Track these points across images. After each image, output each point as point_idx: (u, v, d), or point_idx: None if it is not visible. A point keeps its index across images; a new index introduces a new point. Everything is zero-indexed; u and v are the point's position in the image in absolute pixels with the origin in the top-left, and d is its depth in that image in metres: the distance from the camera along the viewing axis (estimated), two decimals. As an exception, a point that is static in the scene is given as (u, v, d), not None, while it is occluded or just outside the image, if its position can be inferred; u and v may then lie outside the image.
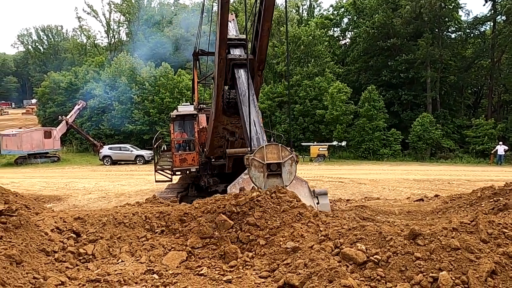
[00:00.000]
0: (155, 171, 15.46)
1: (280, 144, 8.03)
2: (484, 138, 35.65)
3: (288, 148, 7.94)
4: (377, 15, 41.49)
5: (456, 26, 42.10)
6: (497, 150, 32.38)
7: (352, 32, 50.32)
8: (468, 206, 11.09)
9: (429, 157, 36.75)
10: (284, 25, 46.81)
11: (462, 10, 42.78)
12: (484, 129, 36.18)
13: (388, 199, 16.02)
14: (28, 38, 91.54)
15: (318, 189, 8.81)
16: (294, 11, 57.94)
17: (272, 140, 19.15)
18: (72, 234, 8.12)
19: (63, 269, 6.92)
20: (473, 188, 13.84)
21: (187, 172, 14.92)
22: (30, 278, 6.08)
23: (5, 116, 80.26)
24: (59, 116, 40.58)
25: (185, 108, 16.08)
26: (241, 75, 9.38)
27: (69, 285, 6.41)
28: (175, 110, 16.16)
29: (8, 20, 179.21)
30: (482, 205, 10.04)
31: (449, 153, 37.07)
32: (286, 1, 11.79)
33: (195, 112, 15.16)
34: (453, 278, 5.00)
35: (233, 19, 11.71)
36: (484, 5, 40.48)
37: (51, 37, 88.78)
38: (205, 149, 14.03)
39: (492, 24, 40.85)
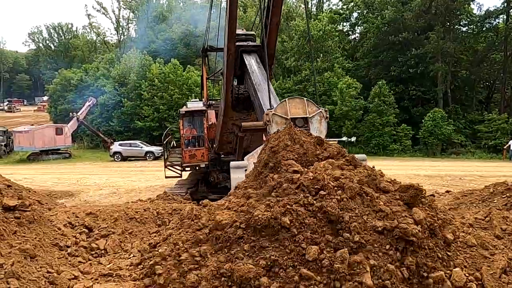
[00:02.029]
0: (165, 167, 15.56)
1: (306, 98, 6.94)
2: (497, 133, 35.11)
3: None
4: (387, 10, 40.99)
5: (468, 19, 41.38)
6: (510, 145, 31.88)
7: (362, 27, 49.81)
8: (480, 202, 10.95)
9: (440, 152, 36.33)
10: (293, 20, 46.53)
11: (474, 3, 42.04)
12: (496, 124, 35.63)
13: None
14: (39, 36, 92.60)
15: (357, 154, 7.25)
16: (302, 6, 57.56)
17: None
18: (84, 229, 8.24)
19: (76, 263, 7.02)
20: (485, 184, 13.63)
21: (197, 168, 14.98)
22: (44, 272, 6.18)
23: (17, 113, 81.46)
24: (70, 113, 40.99)
25: (194, 104, 16.14)
26: (251, 61, 9.18)
27: (82, 279, 6.50)
28: (184, 106, 16.24)
29: (19, 18, 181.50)
30: (495, 201, 9.89)
31: (460, 148, 36.60)
32: None
33: (204, 108, 15.19)
34: (467, 274, 4.93)
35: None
36: (497, -3, 39.63)
37: (61, 34, 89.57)
38: (214, 145, 14.06)
39: (505, 17, 40.08)
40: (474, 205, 10.83)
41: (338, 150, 5.78)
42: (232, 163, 7.03)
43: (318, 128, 6.67)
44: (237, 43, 9.32)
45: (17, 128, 39.84)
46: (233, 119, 10.93)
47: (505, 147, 32.85)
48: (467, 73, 40.98)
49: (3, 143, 38.07)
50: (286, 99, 6.80)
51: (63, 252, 7.21)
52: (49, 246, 7.14)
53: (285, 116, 6.56)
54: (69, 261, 7.02)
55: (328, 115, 6.93)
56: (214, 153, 14.39)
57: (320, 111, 6.83)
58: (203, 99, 16.46)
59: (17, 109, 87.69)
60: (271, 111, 6.70)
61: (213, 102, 16.00)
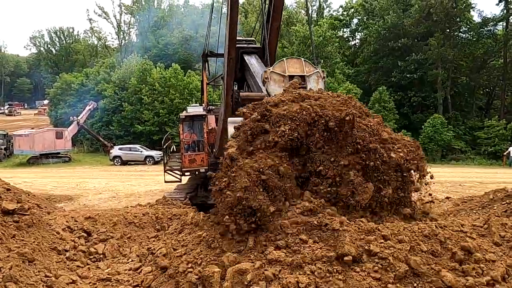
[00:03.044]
0: (165, 171, 15.54)
1: (303, 59, 7.18)
2: (496, 139, 35.12)
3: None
4: (388, 15, 41.19)
5: (468, 26, 41.58)
6: (509, 151, 31.87)
7: (362, 33, 50.02)
8: (480, 208, 10.96)
9: (440, 158, 36.30)
10: (293, 26, 46.73)
11: (474, 10, 42.24)
12: (495, 130, 35.65)
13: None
14: (41, 40, 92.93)
15: None
16: (303, 11, 57.86)
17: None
18: (83, 233, 8.24)
19: (74, 267, 7.02)
20: (485, 190, 13.64)
21: (196, 172, 14.96)
22: (42, 276, 6.18)
23: (18, 117, 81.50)
24: (71, 117, 41.01)
25: (195, 109, 16.15)
26: (252, 61, 9.22)
27: (80, 283, 6.49)
28: (185, 111, 16.25)
29: (21, 22, 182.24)
30: (495, 208, 9.91)
31: (460, 154, 36.59)
32: None
33: (204, 113, 15.21)
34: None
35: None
36: (497, 4, 39.83)
37: (62, 39, 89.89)
38: (214, 150, 14.06)
39: (504, 24, 40.26)
40: (474, 211, 10.84)
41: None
42: (229, 119, 7.43)
43: (316, 87, 6.78)
44: (237, 45, 9.40)
45: (17, 131, 39.83)
46: (233, 124, 10.93)
47: (505, 153, 32.85)
48: (467, 80, 41.08)
49: (3, 147, 38.05)
50: (284, 58, 7.04)
51: (62, 256, 7.21)
52: (48, 250, 7.14)
53: (283, 74, 6.75)
54: (68, 265, 7.02)
55: (325, 76, 7.07)
56: (214, 158, 14.38)
57: (318, 71, 6.97)
58: (203, 104, 16.49)
59: (18, 113, 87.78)
60: (269, 69, 6.92)
61: (213, 107, 16.04)
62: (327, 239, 6.61)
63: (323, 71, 7.09)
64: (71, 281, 6.35)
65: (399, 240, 6.45)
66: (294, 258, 6.19)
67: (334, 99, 6.12)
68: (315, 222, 6.38)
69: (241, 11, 50.56)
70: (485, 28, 40.82)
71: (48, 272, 6.41)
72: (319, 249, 6.37)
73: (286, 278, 5.82)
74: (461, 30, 42.43)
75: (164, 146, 16.67)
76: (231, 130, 7.15)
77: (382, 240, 6.44)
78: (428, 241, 6.49)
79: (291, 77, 6.68)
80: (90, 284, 6.52)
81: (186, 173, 15.39)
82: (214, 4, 16.95)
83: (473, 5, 41.15)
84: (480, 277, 5.89)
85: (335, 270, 5.98)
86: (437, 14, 38.34)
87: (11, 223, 7.39)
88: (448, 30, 40.73)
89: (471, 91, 42.64)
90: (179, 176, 15.67)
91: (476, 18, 41.96)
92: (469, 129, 39.10)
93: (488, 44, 40.54)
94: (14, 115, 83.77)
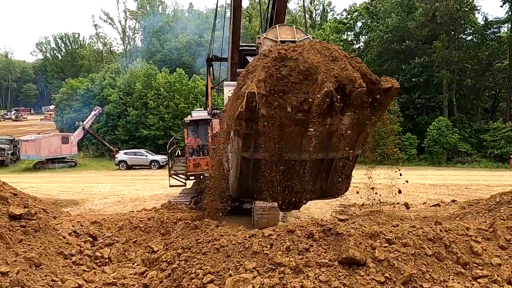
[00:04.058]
0: (170, 176, 15.61)
1: (295, 26, 7.48)
2: (501, 141, 34.87)
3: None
4: (390, 18, 41.17)
5: (472, 28, 41.44)
6: (516, 154, 31.65)
7: (366, 36, 50.01)
8: (486, 211, 10.89)
9: (446, 161, 36.08)
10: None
11: (478, 13, 42.11)
12: (501, 133, 35.40)
13: (403, 204, 15.79)
14: (47, 46, 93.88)
15: None
16: (307, 15, 58.00)
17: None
18: (89, 238, 8.30)
19: (80, 272, 7.07)
20: (491, 193, 13.56)
21: (201, 176, 15.01)
22: (49, 280, 6.24)
23: (24, 122, 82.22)
24: (76, 122, 41.31)
25: (199, 114, 16.23)
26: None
27: (86, 287, 6.54)
28: (189, 116, 16.32)
29: (27, 29, 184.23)
30: (501, 211, 9.83)
31: (466, 157, 36.34)
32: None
33: (209, 117, 15.27)
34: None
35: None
36: (501, 6, 39.70)
37: (68, 44, 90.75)
38: (218, 154, 14.10)
39: (510, 26, 40.10)
40: (480, 214, 10.78)
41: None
42: (225, 83, 8.15)
43: None
44: (240, 48, 9.47)
45: (23, 136, 40.17)
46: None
47: (511, 156, 32.59)
48: (472, 82, 40.87)
49: (9, 152, 38.36)
50: (277, 25, 7.33)
51: (68, 261, 7.27)
52: (54, 255, 7.20)
53: (275, 39, 7.04)
54: (74, 269, 7.08)
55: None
56: (218, 162, 14.41)
57: (308, 37, 7.22)
58: (208, 108, 16.56)
59: (24, 118, 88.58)
60: (262, 35, 7.22)
61: (218, 111, 16.09)
62: (331, 243, 6.62)
63: (313, 37, 7.37)
64: (77, 285, 6.39)
65: (404, 244, 6.44)
66: (298, 262, 6.20)
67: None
68: None
69: (245, 16, 50.81)
70: (490, 31, 40.66)
71: (55, 276, 6.47)
72: (323, 253, 6.38)
73: (290, 282, 5.83)
74: (465, 32, 42.30)
75: (169, 151, 16.74)
76: (226, 92, 7.34)
77: (387, 244, 6.44)
78: (433, 244, 6.47)
79: (282, 42, 6.96)
80: (96, 288, 6.57)
81: (191, 177, 15.44)
82: (218, 9, 17.07)
83: (477, 8, 41.09)
84: (486, 281, 5.86)
85: (339, 274, 5.98)
86: (441, 16, 38.27)
87: (18, 227, 7.48)
88: (452, 33, 40.60)
89: (477, 93, 42.41)
90: (184, 181, 15.73)
91: (481, 21, 41.90)
92: (475, 131, 38.86)
93: (492, 46, 40.39)
94: (21, 121, 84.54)
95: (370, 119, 6.20)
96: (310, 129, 5.94)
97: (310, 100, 5.64)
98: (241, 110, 5.63)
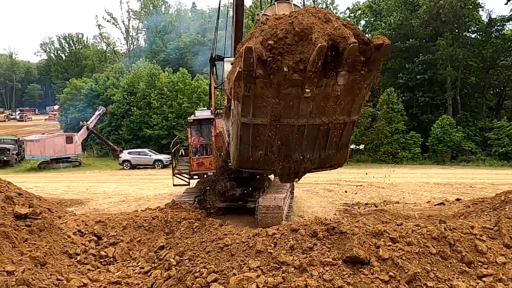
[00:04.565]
0: (173, 175, 15.64)
1: (293, 3, 7.63)
2: (506, 140, 34.68)
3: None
4: (393, 16, 41.01)
5: (476, 26, 41.20)
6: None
7: (369, 34, 49.84)
8: (491, 210, 10.84)
9: (450, 160, 35.92)
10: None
11: (483, 10, 41.87)
12: (506, 131, 35.21)
13: (407, 203, 15.77)
14: (51, 46, 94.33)
15: None
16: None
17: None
18: (93, 237, 8.34)
19: (85, 271, 7.11)
20: (496, 192, 13.49)
21: (204, 176, 15.03)
22: (54, 279, 6.28)
23: (29, 122, 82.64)
24: (80, 122, 41.46)
25: (202, 113, 16.23)
26: None
27: (91, 287, 6.57)
28: (193, 115, 16.33)
29: (31, 29, 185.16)
30: (506, 209, 9.78)
31: (470, 156, 36.15)
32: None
33: (212, 117, 15.29)
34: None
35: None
36: (506, 4, 39.42)
37: (72, 44, 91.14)
38: (222, 153, 14.12)
39: (514, 23, 39.87)
40: (485, 213, 10.72)
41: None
42: (226, 59, 8.47)
43: None
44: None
45: (28, 136, 40.37)
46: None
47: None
48: (477, 80, 40.64)
49: (14, 152, 38.58)
50: (276, 2, 7.53)
51: (73, 260, 7.31)
52: (59, 254, 7.25)
53: (274, 16, 7.15)
54: (79, 268, 7.11)
55: None
56: (221, 161, 14.45)
57: None
58: (211, 108, 16.58)
59: (29, 118, 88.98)
60: (261, 12, 7.42)
61: (221, 110, 16.10)
62: (335, 242, 6.62)
63: None
64: (82, 284, 6.43)
65: (408, 243, 6.42)
66: (302, 261, 6.20)
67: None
68: None
69: (247, 14, 50.74)
70: (494, 28, 40.41)
71: (60, 275, 6.51)
72: (327, 252, 6.38)
73: (294, 281, 5.84)
74: (469, 30, 42.04)
75: (173, 150, 16.77)
76: (227, 68, 7.44)
77: (391, 243, 6.43)
78: (437, 243, 6.45)
79: None
80: (101, 287, 6.60)
81: (195, 177, 15.46)
82: (221, 8, 17.07)
83: (481, 5, 40.84)
84: (490, 279, 5.84)
85: (343, 273, 5.97)
86: (445, 14, 38.06)
87: (23, 227, 7.53)
88: (456, 31, 40.38)
89: (481, 91, 42.17)
90: (187, 180, 15.76)
91: (485, 18, 41.65)
92: (479, 130, 38.64)
93: (497, 44, 40.14)
94: (25, 121, 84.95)
95: (364, 80, 6.27)
96: (306, 90, 6.06)
97: (305, 59, 5.78)
98: (240, 70, 5.81)
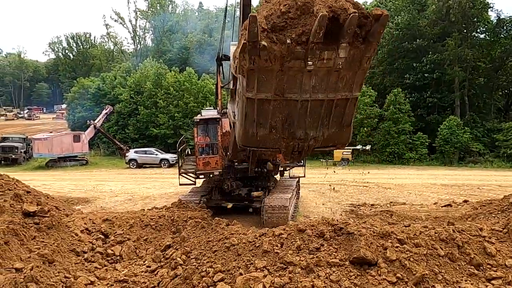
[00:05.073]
0: (179, 174, 15.67)
1: None
2: (513, 141, 34.35)
3: None
4: (400, 16, 40.77)
5: (485, 26, 40.81)
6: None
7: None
8: (499, 212, 10.74)
9: (458, 161, 35.63)
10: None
11: (492, 10, 41.42)
12: (514, 132, 34.87)
13: (414, 204, 15.67)
14: (59, 46, 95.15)
15: None
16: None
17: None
18: (100, 235, 8.39)
19: (92, 269, 7.15)
20: (504, 193, 13.35)
21: (210, 175, 15.04)
22: (62, 277, 6.31)
23: (37, 121, 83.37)
24: (88, 121, 41.74)
25: (209, 112, 16.24)
26: None
27: (98, 284, 6.61)
28: (199, 115, 16.35)
29: (40, 29, 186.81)
30: (515, 212, 9.68)
31: (478, 157, 35.81)
32: None
33: (219, 116, 15.29)
34: None
35: None
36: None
37: (80, 44, 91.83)
38: (228, 153, 14.13)
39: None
40: (493, 215, 10.63)
41: None
42: (231, 42, 8.63)
43: None
44: None
45: (36, 135, 40.73)
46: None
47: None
48: (485, 80, 40.27)
49: (22, 150, 38.95)
50: None
51: (80, 258, 7.36)
52: (67, 252, 7.30)
53: None
54: (86, 266, 7.16)
55: None
56: (227, 161, 14.46)
57: None
58: (217, 108, 16.59)
59: (37, 117, 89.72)
60: None
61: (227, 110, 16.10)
62: (342, 242, 6.59)
63: None
64: (89, 282, 6.47)
65: (416, 244, 6.37)
66: (309, 261, 6.18)
67: None
68: None
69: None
70: (503, 29, 40.00)
71: (67, 273, 6.55)
72: (334, 253, 6.35)
73: (301, 281, 5.82)
74: (478, 30, 41.67)
75: (179, 149, 16.81)
76: (232, 51, 7.77)
77: (398, 244, 6.38)
78: (445, 245, 6.40)
79: None
80: (108, 285, 6.64)
81: (201, 176, 15.49)
82: (228, 8, 17.06)
83: (490, 5, 40.46)
84: (500, 282, 5.77)
85: (350, 274, 5.94)
86: (454, 14, 37.76)
87: (31, 224, 7.59)
88: (465, 31, 40.05)
89: (490, 92, 41.78)
90: (193, 179, 15.78)
91: (494, 18, 41.25)
92: (487, 131, 38.28)
93: (506, 45, 39.74)
94: (33, 119, 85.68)
95: (365, 53, 6.43)
96: (309, 63, 6.23)
97: (308, 31, 5.97)
98: (244, 41, 5.96)
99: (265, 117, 6.88)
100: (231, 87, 7.90)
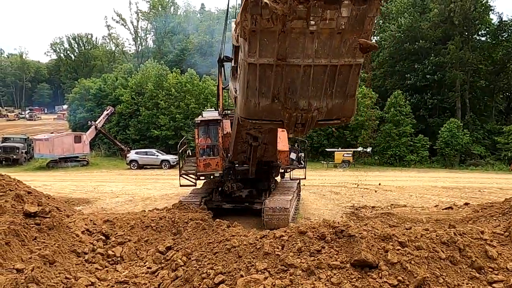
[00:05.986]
0: (180, 175, 15.68)
1: None
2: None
3: None
4: (403, 18, 40.81)
5: (487, 29, 40.84)
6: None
7: (378, 37, 49.64)
8: (500, 215, 10.72)
9: (459, 164, 35.59)
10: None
11: (493, 13, 41.47)
12: (515, 135, 34.82)
13: (415, 207, 15.65)
14: (60, 47, 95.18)
15: None
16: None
17: (296, 145, 19.02)
18: (101, 236, 8.39)
19: (93, 270, 7.15)
20: (505, 196, 13.33)
21: (211, 177, 15.05)
22: (62, 278, 6.31)
23: (38, 121, 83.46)
24: (89, 122, 41.77)
25: (210, 114, 16.24)
26: None
27: (99, 286, 6.60)
28: (200, 116, 16.36)
29: (41, 30, 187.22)
30: (516, 215, 9.66)
31: (479, 160, 35.76)
32: None
33: (220, 118, 15.31)
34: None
35: None
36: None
37: (81, 45, 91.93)
38: (229, 154, 14.14)
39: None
40: (494, 218, 10.61)
41: None
42: (234, 20, 8.38)
43: None
44: None
45: (37, 135, 40.76)
46: (247, 128, 10.99)
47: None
48: (486, 83, 40.27)
49: (24, 151, 38.99)
50: None
51: (81, 259, 7.35)
52: (68, 253, 7.30)
53: None
54: (87, 267, 7.15)
55: None
56: (228, 162, 14.46)
57: None
58: (218, 109, 16.60)
59: (38, 117, 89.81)
60: None
61: (229, 112, 16.12)
62: (343, 245, 6.58)
63: None
64: (90, 283, 6.47)
65: (417, 247, 6.36)
66: (310, 263, 6.17)
67: None
68: None
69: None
70: (504, 32, 40.03)
71: (68, 274, 6.54)
72: (335, 255, 6.35)
73: (302, 284, 5.81)
74: (479, 33, 41.70)
75: (180, 151, 16.82)
76: (233, 26, 7.79)
77: (399, 247, 6.37)
78: (446, 248, 6.39)
79: None
80: (108, 286, 6.64)
81: (201, 178, 15.49)
82: (230, 10, 17.08)
83: (492, 8, 40.49)
84: (501, 285, 5.76)
85: (351, 276, 5.93)
86: (456, 17, 37.77)
87: (32, 225, 7.60)
88: (466, 34, 40.08)
89: (491, 94, 41.77)
90: (194, 181, 15.78)
91: (496, 21, 41.29)
92: (488, 133, 38.24)
93: (507, 47, 39.74)
94: (35, 120, 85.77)
95: (367, 13, 6.33)
96: (311, 23, 6.16)
97: None
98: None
99: (267, 85, 6.81)
100: (233, 40, 7.87)
